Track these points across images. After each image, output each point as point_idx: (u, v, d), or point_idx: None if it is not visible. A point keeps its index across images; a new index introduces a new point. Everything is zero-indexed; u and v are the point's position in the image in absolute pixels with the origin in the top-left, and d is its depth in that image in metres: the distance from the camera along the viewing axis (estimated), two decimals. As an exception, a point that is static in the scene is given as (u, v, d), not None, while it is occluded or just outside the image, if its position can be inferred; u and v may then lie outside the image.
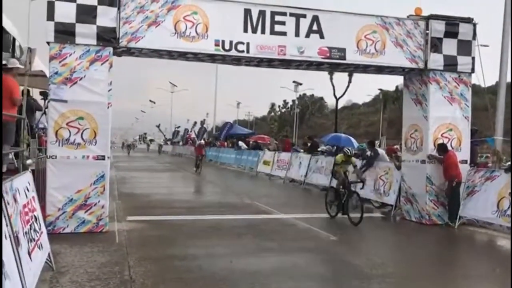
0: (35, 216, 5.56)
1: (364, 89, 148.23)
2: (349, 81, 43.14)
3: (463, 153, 10.84)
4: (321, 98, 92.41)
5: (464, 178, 10.43)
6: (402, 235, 10.21)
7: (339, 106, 53.90)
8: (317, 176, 17.49)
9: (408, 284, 6.40)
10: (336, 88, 43.86)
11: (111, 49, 8.87)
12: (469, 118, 10.96)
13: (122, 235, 8.45)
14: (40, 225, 5.80)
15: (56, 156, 8.56)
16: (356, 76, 43.29)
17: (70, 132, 8.62)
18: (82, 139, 8.67)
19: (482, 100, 11.86)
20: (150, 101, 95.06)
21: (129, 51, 9.40)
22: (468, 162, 10.97)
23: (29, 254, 4.73)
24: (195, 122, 60.84)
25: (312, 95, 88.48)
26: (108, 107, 8.84)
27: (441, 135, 10.68)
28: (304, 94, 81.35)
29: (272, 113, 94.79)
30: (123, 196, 13.70)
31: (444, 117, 10.73)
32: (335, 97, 43.98)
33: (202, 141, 32.24)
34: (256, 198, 14.32)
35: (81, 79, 8.64)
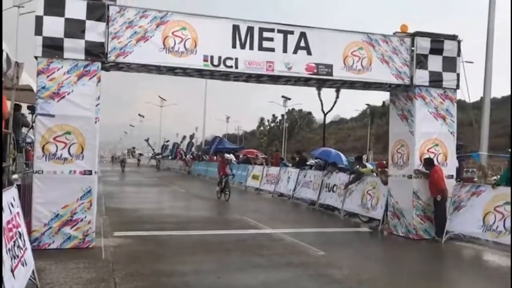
0: (19, 232, 5.50)
1: (351, 104, 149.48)
2: (337, 97, 43.45)
3: (449, 168, 10.94)
4: (310, 113, 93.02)
5: (450, 193, 10.52)
6: (390, 250, 10.24)
7: (327, 121, 54.31)
8: (305, 190, 17.51)
9: (395, 299, 6.42)
10: (324, 103, 44.10)
11: (99, 64, 8.87)
12: (454, 134, 11.09)
13: (108, 251, 8.37)
14: (24, 241, 5.73)
15: (42, 171, 8.49)
16: (344, 91, 43.59)
17: (57, 147, 8.57)
18: (69, 154, 8.62)
19: (467, 115, 12.04)
20: (139, 115, 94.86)
21: (117, 66, 9.41)
22: (454, 177, 11.08)
23: (12, 271, 4.67)
24: (184, 136, 60.85)
25: (301, 109, 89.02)
26: (95, 122, 8.81)
27: (427, 150, 10.79)
28: (293, 109, 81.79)
29: (261, 128, 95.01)
30: (110, 211, 13.58)
31: (430, 132, 10.85)
32: (323, 112, 44.22)
33: (228, 155, 24.16)
34: (244, 212, 14.28)
35: (68, 93, 8.62)
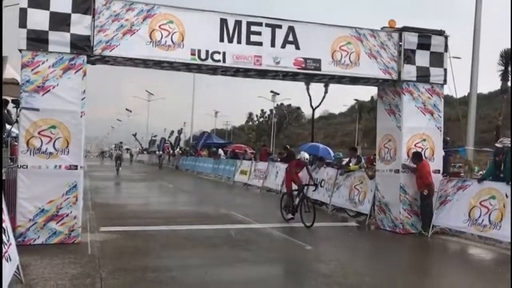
0: (3, 228, 5.42)
1: (340, 99, 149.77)
2: (325, 91, 43.38)
3: (436, 163, 11.00)
4: (298, 108, 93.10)
5: (437, 187, 10.59)
6: (376, 244, 10.28)
7: (316, 116, 54.27)
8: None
9: (381, 293, 6.45)
10: (313, 98, 44.04)
11: (85, 57, 8.76)
12: (441, 129, 11.15)
13: (94, 246, 8.30)
14: (8, 236, 5.65)
15: (27, 166, 8.37)
16: (333, 86, 43.41)
17: (42, 141, 8.45)
18: (54, 148, 8.51)
19: (454, 110, 12.13)
20: (127, 109, 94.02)
21: (103, 59, 9.30)
22: (441, 171, 11.16)
23: (-5, 267, 4.60)
24: (172, 131, 60.47)
25: (289, 104, 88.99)
26: (81, 116, 8.71)
27: (415, 145, 10.84)
28: (282, 104, 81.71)
29: (250, 123, 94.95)
30: (97, 206, 13.46)
31: (418, 127, 10.90)
32: (312, 107, 44.15)
33: (306, 155, 12.62)
34: (232, 207, 14.25)
35: (53, 87, 8.50)
